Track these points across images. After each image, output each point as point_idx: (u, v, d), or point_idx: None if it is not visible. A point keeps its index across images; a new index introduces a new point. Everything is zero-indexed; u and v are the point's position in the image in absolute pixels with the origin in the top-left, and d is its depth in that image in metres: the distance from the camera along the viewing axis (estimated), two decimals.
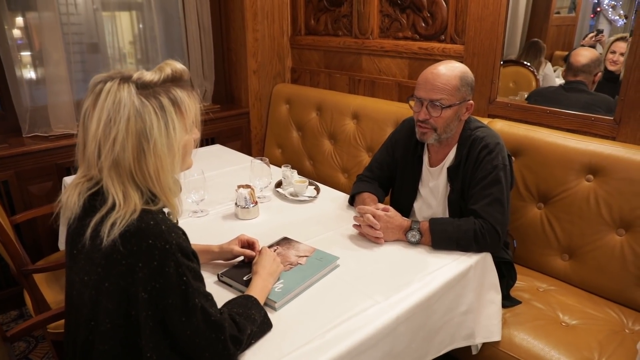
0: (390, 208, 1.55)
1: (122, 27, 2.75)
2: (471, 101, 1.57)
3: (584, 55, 2.20)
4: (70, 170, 2.40)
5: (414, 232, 1.49)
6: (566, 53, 2.36)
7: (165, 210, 1.01)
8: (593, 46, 2.27)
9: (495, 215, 1.47)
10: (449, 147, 1.63)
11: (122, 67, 2.75)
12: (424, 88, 1.54)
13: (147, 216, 0.91)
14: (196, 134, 1.05)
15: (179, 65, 0.99)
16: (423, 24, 2.38)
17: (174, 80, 0.98)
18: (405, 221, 1.52)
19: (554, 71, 2.46)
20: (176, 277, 0.91)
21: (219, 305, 1.04)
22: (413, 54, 2.43)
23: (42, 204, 2.29)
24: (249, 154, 3.04)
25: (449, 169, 1.62)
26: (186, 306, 0.92)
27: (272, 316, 1.15)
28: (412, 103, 1.61)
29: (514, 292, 1.73)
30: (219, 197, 1.89)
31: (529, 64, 2.37)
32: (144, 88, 0.93)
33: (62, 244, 2.18)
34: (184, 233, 0.97)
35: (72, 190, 0.96)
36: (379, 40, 2.59)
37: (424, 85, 1.54)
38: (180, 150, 0.99)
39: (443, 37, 2.31)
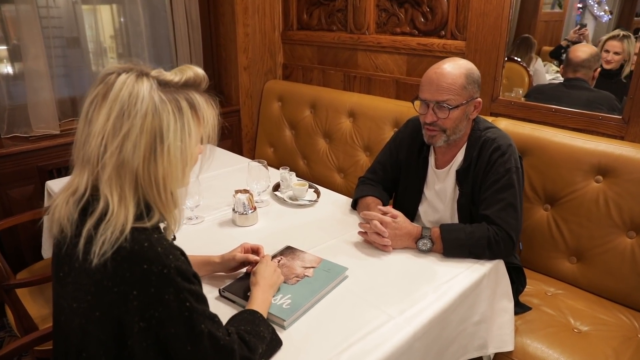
0: (400, 214, 1.47)
1: (104, 21, 2.61)
2: (479, 99, 1.50)
3: (583, 50, 2.16)
4: (53, 172, 2.27)
5: (425, 241, 1.41)
6: (552, 49, 2.34)
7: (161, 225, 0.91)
8: (578, 41, 2.25)
9: (509, 221, 1.41)
10: (457, 148, 1.56)
11: (104, 61, 2.62)
12: (429, 89, 1.46)
13: (141, 237, 0.81)
14: (201, 148, 0.95)
15: (200, 71, 0.90)
16: (422, 19, 2.30)
17: (195, 85, 0.89)
18: (414, 228, 1.45)
19: (544, 66, 2.43)
20: (177, 304, 0.81)
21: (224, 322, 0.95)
22: (412, 50, 2.35)
23: (24, 209, 2.16)
24: (240, 153, 2.95)
25: (458, 171, 1.55)
26: (192, 333, 0.84)
27: (281, 335, 1.07)
28: (417, 105, 1.53)
29: (522, 297, 1.67)
30: (214, 202, 1.79)
31: (519, 59, 2.33)
32: (164, 86, 0.84)
33: (45, 252, 2.06)
34: (182, 253, 0.87)
35: (61, 208, 0.84)
36: (376, 35, 2.50)
37: (428, 86, 1.47)
38: (192, 160, 0.90)
39: (443, 32, 2.23)
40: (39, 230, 2.09)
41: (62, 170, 2.29)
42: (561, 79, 2.32)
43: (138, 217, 0.83)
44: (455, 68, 1.44)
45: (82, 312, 0.84)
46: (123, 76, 0.83)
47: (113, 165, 0.80)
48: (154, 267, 0.79)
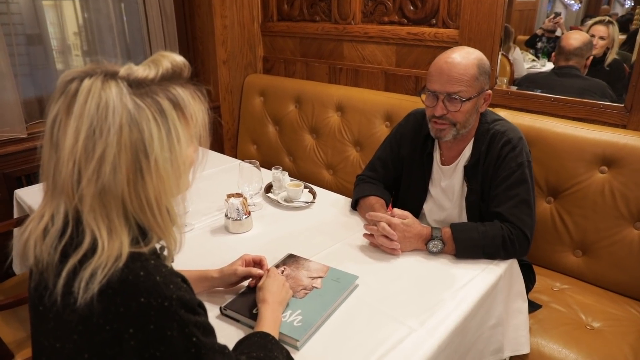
0: (409, 214, 1.38)
1: (67, 17, 2.41)
2: (489, 91, 1.42)
3: (575, 38, 2.11)
4: (21, 180, 2.09)
5: (435, 242, 1.33)
6: (528, 37, 2.30)
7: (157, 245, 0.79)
8: (553, 30, 2.22)
9: (524, 219, 1.34)
10: (464, 143, 1.48)
11: (69, 59, 2.43)
12: (439, 80, 1.37)
13: (135, 264, 0.69)
14: (196, 147, 0.81)
15: (178, 58, 0.75)
16: (411, 7, 2.21)
17: (174, 77, 0.74)
18: (424, 229, 1.36)
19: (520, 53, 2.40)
20: (183, 341, 0.70)
21: (229, 344, 0.84)
22: (401, 40, 2.26)
23: None
24: (221, 151, 2.82)
25: (466, 167, 1.46)
26: None
27: (295, 357, 0.97)
28: (423, 97, 1.44)
29: (530, 294, 1.61)
30: (203, 207, 1.67)
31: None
32: (137, 87, 0.70)
33: (16, 267, 1.88)
34: (184, 280, 0.74)
35: (37, 240, 0.71)
36: (362, 25, 2.40)
37: (438, 76, 1.37)
38: (187, 165, 0.77)
39: (434, 21, 2.14)
40: (8, 244, 1.91)
41: (32, 176, 2.11)
42: (538, 67, 2.30)
43: (133, 242, 0.71)
44: (466, 57, 1.35)
45: (68, 353, 0.71)
46: (86, 82, 0.68)
47: (92, 195, 0.67)
48: (152, 300, 0.67)
